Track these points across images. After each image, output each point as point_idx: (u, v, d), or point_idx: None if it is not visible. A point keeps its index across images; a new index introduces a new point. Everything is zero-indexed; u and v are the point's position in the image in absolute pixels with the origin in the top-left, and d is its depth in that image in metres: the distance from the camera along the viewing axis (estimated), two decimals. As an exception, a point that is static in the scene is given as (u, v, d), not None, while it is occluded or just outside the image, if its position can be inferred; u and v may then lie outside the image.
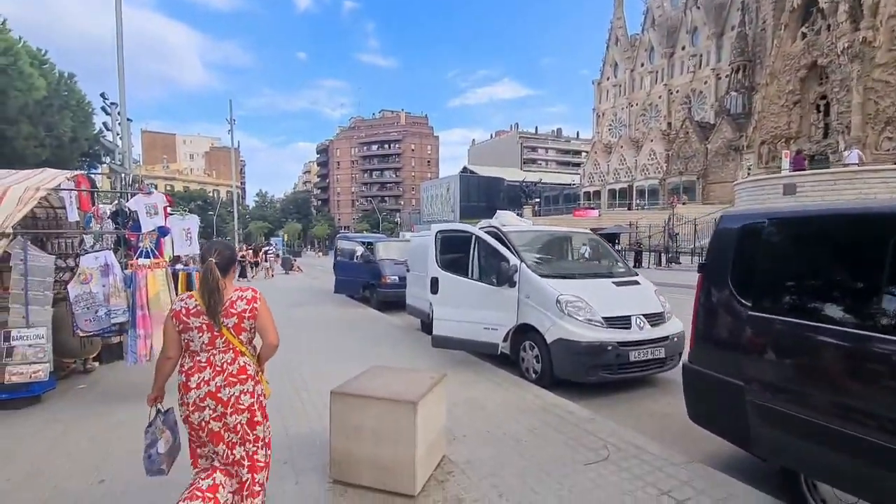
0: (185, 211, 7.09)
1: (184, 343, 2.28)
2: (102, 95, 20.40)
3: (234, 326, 2.27)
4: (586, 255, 6.97)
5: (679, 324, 5.43)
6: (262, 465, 2.35)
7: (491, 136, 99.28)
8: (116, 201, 5.59)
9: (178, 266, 6.35)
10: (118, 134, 21.38)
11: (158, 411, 2.45)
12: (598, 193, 52.50)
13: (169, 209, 5.56)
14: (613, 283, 5.66)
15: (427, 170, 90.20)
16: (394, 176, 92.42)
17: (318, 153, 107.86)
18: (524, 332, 5.50)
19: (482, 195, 50.66)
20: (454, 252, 6.30)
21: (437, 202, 56.78)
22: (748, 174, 32.12)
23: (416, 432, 2.82)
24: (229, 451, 2.26)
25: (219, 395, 2.20)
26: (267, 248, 27.93)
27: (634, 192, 47.88)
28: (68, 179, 5.22)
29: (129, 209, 5.23)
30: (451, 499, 2.86)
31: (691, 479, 3.02)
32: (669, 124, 48.44)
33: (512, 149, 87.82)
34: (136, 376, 5.35)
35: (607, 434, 3.75)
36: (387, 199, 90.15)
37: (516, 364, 5.64)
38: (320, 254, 64.22)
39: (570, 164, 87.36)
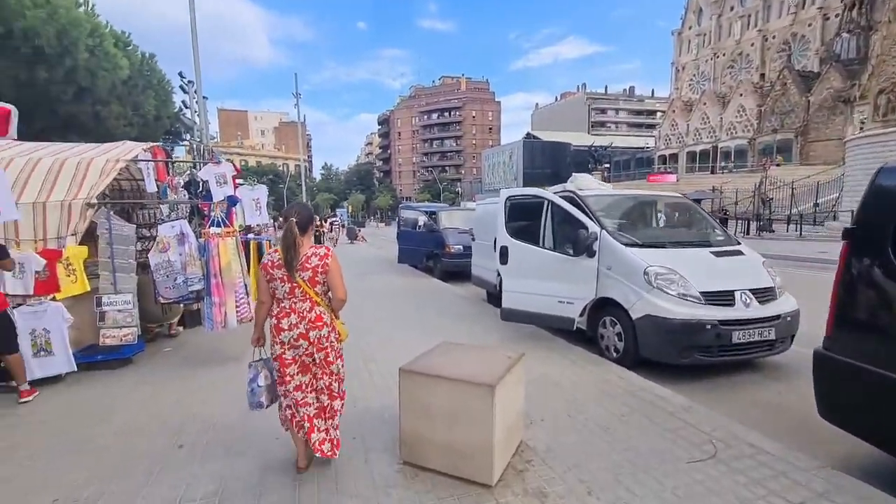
0: (255, 182, 7.18)
1: (271, 291, 2.68)
2: (180, 74, 21.48)
3: (308, 279, 2.61)
4: (676, 221, 6.21)
5: (793, 301, 4.66)
6: (336, 394, 2.78)
7: (556, 99, 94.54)
8: (189, 171, 5.70)
9: (250, 235, 6.46)
10: (195, 111, 22.66)
11: (260, 353, 2.86)
12: (674, 157, 48.45)
13: (238, 179, 5.58)
14: (712, 252, 4.94)
15: (488, 137, 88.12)
16: (454, 145, 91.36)
17: (379, 124, 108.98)
18: (604, 307, 5.00)
19: (547, 161, 48.49)
20: (525, 219, 5.84)
21: (499, 170, 55.31)
22: (860, 129, 27.87)
23: (494, 417, 2.52)
24: (314, 381, 2.70)
25: (308, 335, 2.61)
26: (333, 218, 28.76)
27: (718, 154, 43.58)
28: (145, 151, 5.36)
29: (200, 179, 5.28)
30: (532, 491, 2.56)
31: (828, 490, 2.48)
32: (763, 76, 43.13)
33: (578, 111, 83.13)
34: (215, 341, 5.57)
35: (710, 426, 3.25)
36: (447, 168, 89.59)
37: (593, 341, 5.18)
38: (382, 224, 65.65)
39: (644, 126, 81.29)
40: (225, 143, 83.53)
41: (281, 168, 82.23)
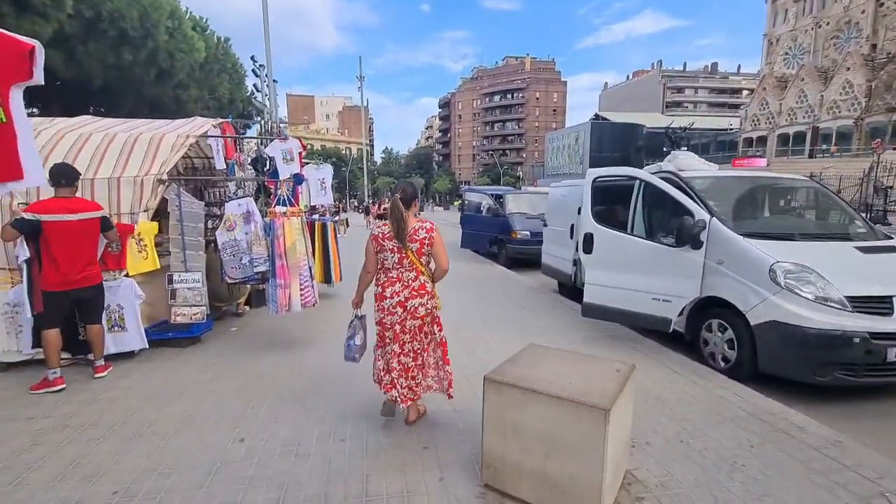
0: (321, 162, 7.02)
1: (379, 262, 2.91)
2: (252, 58, 22.19)
3: (416, 250, 2.85)
4: (803, 209, 5.23)
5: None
6: (420, 363, 2.97)
7: (627, 78, 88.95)
8: (256, 148, 5.55)
9: (314, 216, 6.28)
10: (266, 94, 23.36)
11: (356, 315, 3.16)
12: (762, 140, 43.89)
13: (304, 155, 5.35)
14: (857, 248, 4.03)
15: (552, 119, 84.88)
16: (516, 127, 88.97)
17: (439, 107, 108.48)
18: (709, 308, 4.26)
19: (616, 145, 45.67)
20: (614, 203, 5.16)
21: (564, 154, 52.95)
22: None
23: (606, 447, 2.01)
24: (408, 346, 2.91)
25: (406, 304, 2.83)
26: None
27: (818, 137, 38.91)
28: (214, 127, 5.24)
29: (266, 155, 5.09)
30: (650, 543, 2.03)
31: None
32: (874, 47, 37.61)
33: (652, 91, 77.75)
34: (280, 323, 5.45)
35: (876, 471, 2.53)
36: (508, 152, 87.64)
37: (692, 346, 4.46)
38: (440, 208, 65.55)
39: (726, 106, 74.47)
40: (293, 127, 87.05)
41: (344, 151, 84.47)
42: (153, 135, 4.77)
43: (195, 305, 4.76)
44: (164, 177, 4.52)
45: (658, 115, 59.86)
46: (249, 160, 5.55)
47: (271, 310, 4.68)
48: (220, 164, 5.47)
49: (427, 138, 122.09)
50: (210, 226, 5.74)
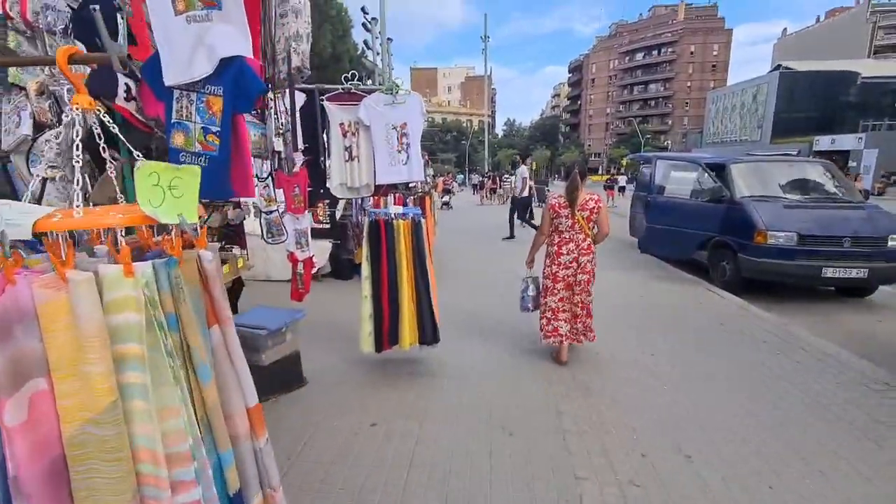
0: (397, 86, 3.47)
1: (554, 226, 3.63)
2: (363, 10, 19.39)
3: (586, 218, 3.54)
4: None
5: None
6: (587, 312, 3.69)
7: (817, 20, 70.04)
8: None
9: (380, 210, 2.66)
10: (377, 52, 20.44)
11: (529, 275, 3.89)
12: None
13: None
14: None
15: (711, 77, 70.77)
16: (661, 89, 76.28)
17: (570, 72, 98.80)
18: None
19: (813, 102, 34.80)
20: None
21: (733, 116, 42.64)
22: None
23: None
24: (578, 297, 3.63)
25: (578, 259, 3.56)
26: (508, 177, 24.59)
27: None
28: None
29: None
30: None
31: None
32: None
33: (854, 35, 59.72)
34: None
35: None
36: (649, 119, 75.82)
37: None
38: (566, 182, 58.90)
39: (976, 46, 54.03)
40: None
41: (465, 124, 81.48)
42: None
43: None
44: None
45: (872, 62, 44.88)
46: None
47: None
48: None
49: (553, 108, 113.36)
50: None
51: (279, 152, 2.29)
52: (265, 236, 3.45)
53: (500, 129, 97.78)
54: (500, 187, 25.09)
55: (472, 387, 3.34)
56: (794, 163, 7.39)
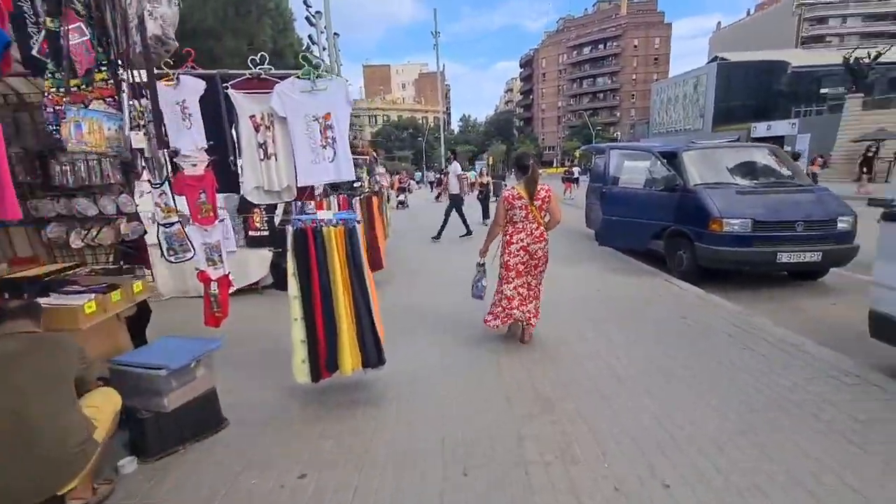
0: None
1: (508, 217, 3.77)
2: (305, 2, 18.47)
3: (539, 207, 3.74)
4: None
5: None
6: (537, 294, 3.98)
7: (748, 14, 74.09)
8: None
9: (305, 216, 2.17)
10: (324, 47, 19.53)
11: (482, 263, 4.03)
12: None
13: None
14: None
15: (654, 70, 73.43)
16: (609, 82, 78.52)
17: (521, 67, 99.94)
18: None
19: (749, 91, 36.53)
20: None
21: (676, 106, 44.20)
22: None
23: None
24: (529, 281, 3.87)
25: (528, 248, 3.76)
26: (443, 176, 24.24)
27: None
28: None
29: None
30: None
31: None
32: None
33: (782, 27, 63.60)
34: None
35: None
36: (599, 111, 77.93)
37: None
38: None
39: (885, 36, 58.77)
40: (369, 99, 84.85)
41: (420, 121, 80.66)
42: None
43: None
44: None
45: (801, 52, 47.82)
46: None
47: None
48: None
49: (506, 102, 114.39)
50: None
51: (140, 150, 1.77)
52: (166, 253, 2.88)
53: (455, 126, 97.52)
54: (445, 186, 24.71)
55: (424, 412, 2.93)
56: (742, 148, 7.43)
